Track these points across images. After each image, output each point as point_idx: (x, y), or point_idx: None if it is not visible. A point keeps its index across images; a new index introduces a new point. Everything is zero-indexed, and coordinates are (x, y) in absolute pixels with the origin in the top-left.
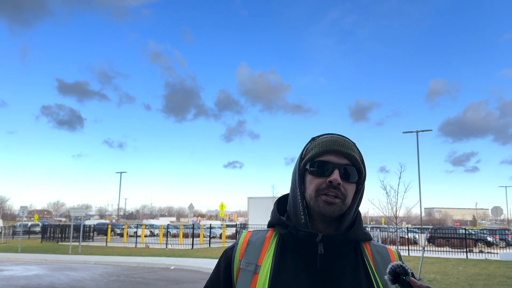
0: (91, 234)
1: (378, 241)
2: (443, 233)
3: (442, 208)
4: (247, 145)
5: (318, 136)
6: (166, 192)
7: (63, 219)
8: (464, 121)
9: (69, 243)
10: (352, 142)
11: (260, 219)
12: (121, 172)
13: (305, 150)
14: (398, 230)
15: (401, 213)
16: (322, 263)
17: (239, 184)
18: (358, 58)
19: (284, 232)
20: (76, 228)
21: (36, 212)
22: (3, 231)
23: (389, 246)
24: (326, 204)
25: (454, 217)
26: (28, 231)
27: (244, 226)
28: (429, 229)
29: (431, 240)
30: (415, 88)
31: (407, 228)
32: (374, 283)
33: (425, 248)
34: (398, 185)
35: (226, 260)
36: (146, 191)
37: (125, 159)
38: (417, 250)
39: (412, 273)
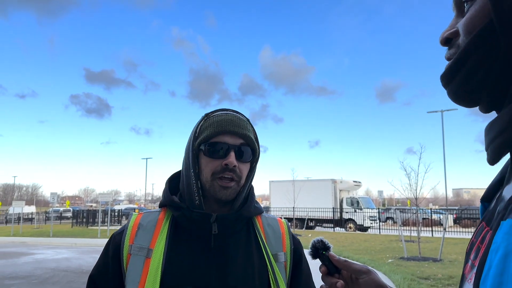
0: (120, 218)
1: (399, 223)
2: (469, 214)
3: (471, 188)
4: (271, 129)
5: (212, 113)
6: None
7: (94, 205)
8: None
9: (98, 228)
10: (246, 119)
11: (282, 202)
12: (146, 158)
13: (198, 128)
14: (420, 212)
15: (427, 195)
16: (216, 243)
17: (263, 168)
18: (383, 37)
19: (177, 214)
20: (104, 213)
21: (67, 198)
22: (36, 217)
23: (279, 218)
24: (222, 189)
25: None
26: (60, 217)
27: (267, 209)
28: (455, 210)
29: (457, 221)
30: (442, 66)
31: (431, 209)
32: (265, 254)
33: (451, 229)
34: (418, 165)
35: (114, 245)
36: None
37: (151, 145)
38: (440, 231)
39: (331, 247)
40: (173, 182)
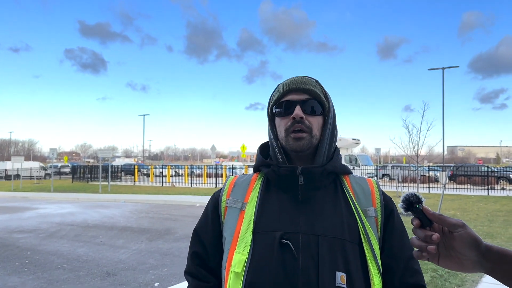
0: (119, 174)
1: (399, 180)
2: (464, 171)
3: (466, 146)
4: (269, 86)
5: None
6: (189, 134)
7: (91, 160)
8: (496, 56)
9: (98, 183)
10: (314, 79)
11: None
12: (144, 115)
13: (271, 96)
14: (419, 169)
15: (422, 152)
16: (303, 194)
17: (261, 125)
18: None
19: (267, 170)
20: (104, 169)
21: (64, 154)
22: (36, 173)
23: (369, 178)
24: (295, 140)
25: (478, 155)
26: (59, 172)
27: None
28: (451, 167)
29: (452, 178)
30: (447, 22)
31: (428, 166)
32: (354, 211)
33: (446, 186)
34: (421, 123)
35: (214, 201)
36: (169, 133)
37: (148, 102)
38: (437, 188)
39: (424, 200)
40: (264, 150)
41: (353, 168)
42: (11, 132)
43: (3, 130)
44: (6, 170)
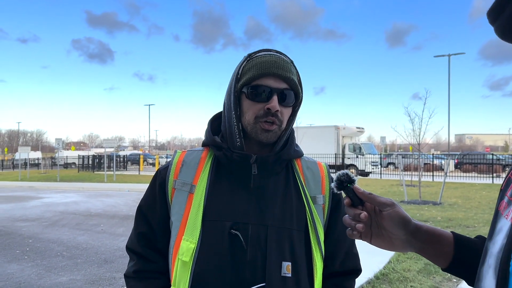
0: (125, 164)
1: (401, 168)
2: (470, 159)
3: (474, 134)
4: None
5: (255, 53)
6: (195, 123)
7: (98, 150)
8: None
9: (104, 173)
10: (290, 60)
11: None
12: (149, 105)
13: (240, 69)
14: (422, 157)
15: (429, 140)
16: (256, 183)
17: None
18: None
19: (218, 154)
20: (110, 158)
21: (72, 144)
22: (42, 162)
23: (319, 161)
24: (264, 132)
25: (486, 143)
26: (66, 162)
27: None
28: (457, 155)
29: (458, 166)
30: (457, 7)
31: (433, 154)
32: (303, 197)
33: (451, 174)
34: (423, 111)
35: (160, 179)
36: (176, 123)
37: (155, 92)
38: (441, 176)
39: (356, 180)
40: (215, 122)
41: (357, 157)
42: (19, 122)
43: (11, 120)
44: (14, 159)
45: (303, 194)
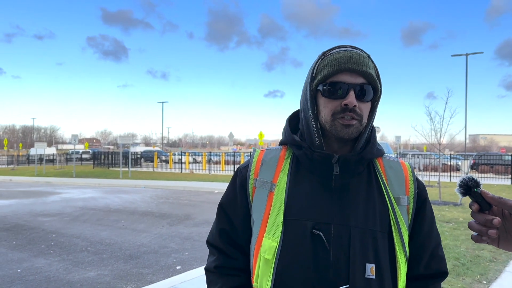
0: (139, 160)
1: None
2: (487, 159)
3: (488, 134)
4: (289, 73)
5: (329, 50)
6: (207, 121)
7: (111, 147)
8: None
9: (119, 169)
10: (367, 54)
11: None
12: (162, 102)
13: (315, 67)
14: (441, 157)
15: (444, 140)
16: (337, 183)
17: (279, 113)
18: None
19: (298, 153)
20: (125, 155)
21: (85, 140)
22: (57, 158)
23: (402, 160)
24: (344, 127)
25: (500, 144)
26: (80, 158)
27: None
28: (473, 156)
29: (474, 167)
30: (475, 6)
31: (450, 155)
32: (387, 198)
33: (468, 175)
34: (444, 110)
35: (241, 178)
36: (188, 120)
37: (168, 89)
38: (459, 176)
39: (481, 184)
40: (293, 121)
41: None
42: (33, 118)
43: (26, 116)
44: (29, 155)
45: (386, 195)
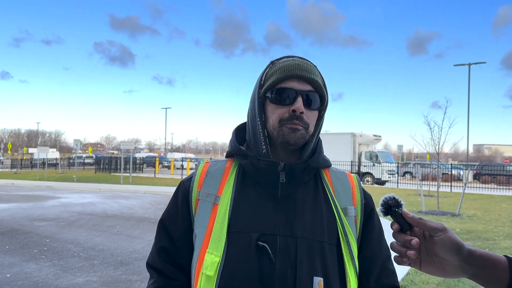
0: (141, 166)
1: (419, 178)
2: (489, 170)
3: (493, 144)
4: None
5: (278, 60)
6: (212, 127)
7: (115, 152)
8: None
9: (120, 174)
10: (314, 65)
11: None
12: (166, 108)
13: (264, 75)
14: (441, 167)
15: (447, 150)
16: (283, 192)
17: None
18: None
19: (244, 162)
20: (127, 160)
21: (89, 145)
22: (60, 162)
23: (348, 172)
24: (291, 131)
25: (505, 154)
26: (83, 163)
27: None
28: (475, 166)
29: (476, 177)
30: (481, 16)
31: (451, 164)
32: (334, 209)
33: (470, 185)
34: (443, 120)
35: (183, 191)
36: (193, 126)
37: (173, 95)
38: (460, 186)
39: (403, 204)
40: (240, 132)
41: (374, 165)
42: (38, 122)
43: (32, 121)
44: (32, 159)
45: (333, 205)
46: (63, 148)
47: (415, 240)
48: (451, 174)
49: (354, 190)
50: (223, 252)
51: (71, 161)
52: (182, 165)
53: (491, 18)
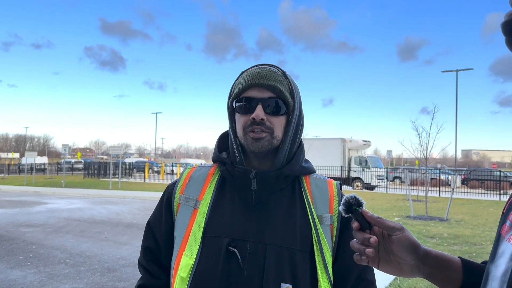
0: (130, 171)
1: (407, 182)
2: (477, 175)
3: (481, 150)
4: None
5: (248, 69)
6: (203, 132)
7: (105, 157)
8: None
9: (109, 179)
10: (281, 71)
11: None
12: (156, 113)
13: (233, 85)
14: (429, 172)
15: (435, 155)
16: (256, 199)
17: None
18: None
19: (222, 168)
20: (116, 165)
21: (78, 150)
22: (48, 167)
23: (330, 179)
24: (254, 141)
25: (492, 159)
26: (72, 168)
27: None
28: (463, 171)
29: (464, 182)
30: (471, 22)
31: (440, 169)
32: (310, 217)
33: (458, 190)
34: (430, 126)
35: (167, 195)
36: (184, 131)
37: (164, 100)
38: (448, 191)
39: (364, 204)
40: (224, 139)
41: (363, 170)
42: (26, 127)
43: (20, 125)
44: (20, 164)
45: (309, 213)
46: (51, 153)
47: (373, 238)
48: (440, 179)
49: (332, 198)
50: (196, 255)
51: (59, 166)
52: (172, 170)
53: (479, 25)
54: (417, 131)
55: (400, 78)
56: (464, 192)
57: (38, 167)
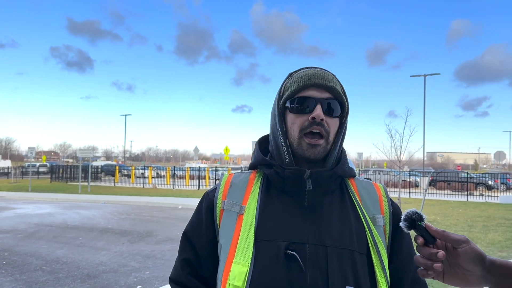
0: (99, 175)
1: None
2: (444, 176)
3: (445, 152)
4: (258, 89)
5: (296, 71)
6: (173, 135)
7: (70, 160)
8: (481, 65)
9: (78, 183)
10: (333, 74)
11: None
12: (125, 115)
13: (283, 87)
14: (401, 174)
15: (403, 157)
16: (310, 200)
17: (247, 128)
18: None
19: (269, 172)
20: (84, 169)
21: (43, 153)
22: (12, 171)
23: (374, 181)
24: (310, 147)
25: (456, 161)
26: (37, 172)
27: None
28: (431, 173)
29: (432, 183)
30: (437, 29)
31: (409, 171)
32: (361, 217)
33: (427, 191)
34: (404, 129)
35: (208, 202)
36: (153, 134)
37: (133, 102)
38: (418, 192)
39: (425, 217)
40: (263, 144)
41: None
42: None
43: None
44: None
45: (361, 214)
46: (14, 156)
47: (441, 253)
48: (410, 181)
49: (381, 199)
50: (250, 261)
51: (24, 170)
52: (143, 174)
53: (445, 31)
54: (390, 133)
55: (369, 82)
56: (433, 193)
57: (1, 171)
